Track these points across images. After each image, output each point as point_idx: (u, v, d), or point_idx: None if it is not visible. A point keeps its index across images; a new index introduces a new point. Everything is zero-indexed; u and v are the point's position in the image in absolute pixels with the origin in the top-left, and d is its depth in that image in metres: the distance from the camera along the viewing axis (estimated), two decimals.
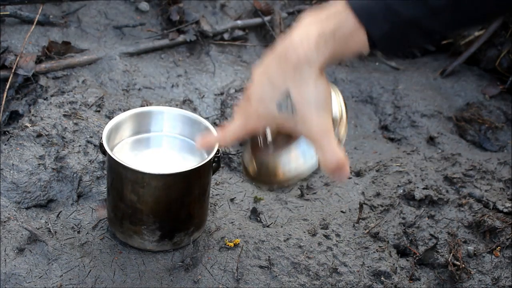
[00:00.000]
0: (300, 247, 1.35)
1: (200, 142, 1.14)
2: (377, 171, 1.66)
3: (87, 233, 1.35)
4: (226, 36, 2.09)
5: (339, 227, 1.43)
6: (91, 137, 1.52)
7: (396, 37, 0.92)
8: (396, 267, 1.38)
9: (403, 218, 1.50)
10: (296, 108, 0.93)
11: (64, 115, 1.56)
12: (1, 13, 1.84)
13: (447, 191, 1.59)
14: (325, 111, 0.94)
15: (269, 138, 1.01)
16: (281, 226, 1.42)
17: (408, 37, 0.93)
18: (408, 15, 0.89)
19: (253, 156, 1.02)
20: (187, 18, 2.05)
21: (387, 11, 0.89)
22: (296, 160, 0.98)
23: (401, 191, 1.57)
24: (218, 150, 1.26)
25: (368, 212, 1.50)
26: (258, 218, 1.46)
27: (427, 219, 1.51)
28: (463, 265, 1.40)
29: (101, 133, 1.30)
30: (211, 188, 1.45)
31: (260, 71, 0.97)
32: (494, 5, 0.90)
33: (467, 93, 2.10)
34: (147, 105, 1.70)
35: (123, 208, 1.25)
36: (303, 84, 0.92)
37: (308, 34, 0.92)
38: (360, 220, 1.46)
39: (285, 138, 1.00)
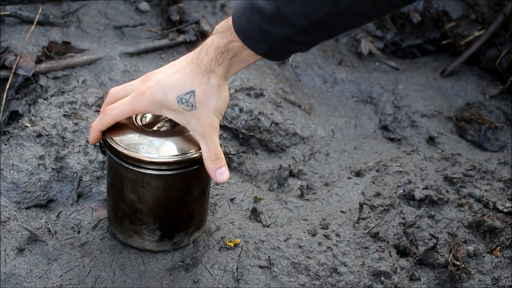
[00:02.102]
0: (300, 247, 1.35)
1: (90, 136, 1.22)
2: (377, 171, 1.66)
3: (87, 233, 1.35)
4: None
5: (339, 227, 1.43)
6: None
7: (277, 50, 1.08)
8: (396, 267, 1.38)
9: (403, 218, 1.51)
10: (196, 106, 1.11)
11: (64, 115, 1.56)
12: (1, 13, 1.84)
13: (447, 191, 1.59)
14: (219, 114, 1.14)
15: (145, 121, 1.22)
16: (281, 226, 1.42)
17: (288, 49, 1.09)
18: (281, 35, 1.05)
19: (121, 131, 1.20)
20: (187, 18, 2.06)
21: (262, 33, 1.05)
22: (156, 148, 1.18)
23: (401, 191, 1.57)
24: None
25: (368, 212, 1.50)
26: (258, 218, 1.46)
27: (427, 219, 1.51)
28: (463, 265, 1.40)
29: None
30: (211, 188, 1.45)
31: (172, 64, 1.14)
32: (353, 17, 1.04)
33: (467, 93, 2.10)
34: None
35: (123, 208, 1.25)
36: (208, 89, 1.11)
37: (210, 45, 1.10)
38: (360, 220, 1.46)
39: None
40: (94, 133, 1.19)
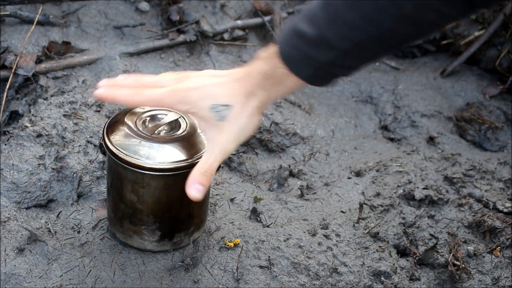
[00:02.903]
0: (300, 247, 1.35)
1: (99, 91, 1.16)
2: (377, 171, 1.66)
3: (87, 233, 1.35)
4: (226, 36, 2.09)
5: (339, 227, 1.43)
6: (91, 137, 1.52)
7: (321, 75, 1.07)
8: (396, 267, 1.38)
9: (403, 218, 1.50)
10: (226, 119, 1.10)
11: (64, 115, 1.56)
12: (1, 13, 1.84)
13: (447, 191, 1.59)
14: (240, 139, 1.13)
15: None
16: (281, 226, 1.42)
17: (332, 73, 1.08)
18: (324, 59, 1.03)
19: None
20: (187, 18, 2.06)
21: (306, 58, 1.04)
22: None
23: (401, 191, 1.57)
24: None
25: (368, 212, 1.50)
26: (258, 218, 1.46)
27: (427, 219, 1.51)
28: (463, 265, 1.40)
29: (101, 133, 1.30)
30: (211, 188, 1.45)
31: (215, 74, 1.14)
32: (395, 39, 1.03)
33: (467, 93, 2.10)
34: None
35: (123, 208, 1.25)
36: (245, 110, 1.10)
37: (255, 70, 1.10)
38: (360, 220, 1.46)
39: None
40: (109, 97, 1.15)
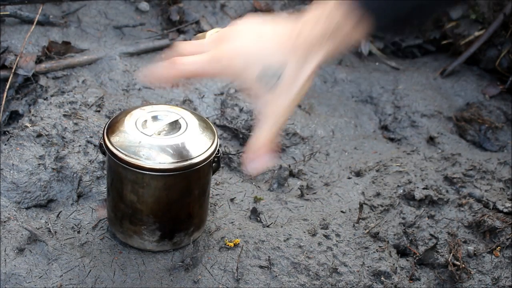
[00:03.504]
0: (300, 247, 1.35)
1: (150, 75, 1.03)
2: (377, 171, 1.66)
3: (87, 233, 1.35)
4: None
5: (339, 227, 1.43)
6: (91, 137, 1.52)
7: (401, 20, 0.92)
8: (396, 267, 1.38)
9: (403, 218, 1.50)
10: (277, 87, 0.95)
11: (64, 115, 1.56)
12: (1, 13, 1.84)
13: (447, 191, 1.59)
14: (294, 104, 0.99)
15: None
16: (281, 226, 1.42)
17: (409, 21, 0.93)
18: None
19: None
20: (187, 18, 2.06)
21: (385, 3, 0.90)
22: None
23: (401, 191, 1.57)
24: (218, 150, 1.26)
25: (368, 212, 1.50)
26: (258, 218, 1.46)
27: (427, 219, 1.51)
28: (463, 265, 1.40)
29: (101, 133, 1.30)
30: (211, 188, 1.45)
31: (262, 33, 0.98)
32: None
33: (467, 93, 2.10)
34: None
35: (123, 208, 1.25)
36: (297, 76, 0.96)
37: (314, 26, 0.94)
38: (360, 220, 1.46)
39: None
40: (149, 76, 1.02)
